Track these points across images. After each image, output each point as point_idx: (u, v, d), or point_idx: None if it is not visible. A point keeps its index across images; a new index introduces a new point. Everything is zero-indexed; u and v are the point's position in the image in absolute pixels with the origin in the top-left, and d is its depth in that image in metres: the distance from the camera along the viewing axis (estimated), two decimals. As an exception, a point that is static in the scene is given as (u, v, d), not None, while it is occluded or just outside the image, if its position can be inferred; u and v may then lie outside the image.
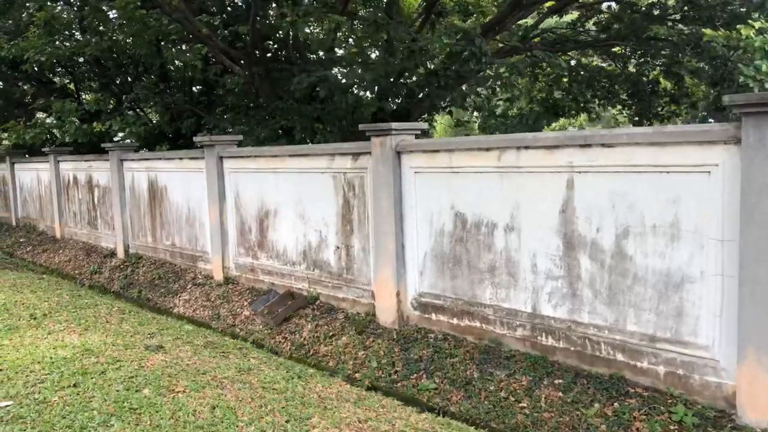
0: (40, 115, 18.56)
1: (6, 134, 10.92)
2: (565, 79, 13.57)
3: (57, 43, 11.36)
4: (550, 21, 14.20)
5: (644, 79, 13.32)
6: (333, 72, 8.36)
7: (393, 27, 8.61)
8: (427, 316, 5.83)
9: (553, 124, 17.12)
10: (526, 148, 4.87)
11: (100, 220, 11.50)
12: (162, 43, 9.99)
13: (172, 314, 7.83)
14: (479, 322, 5.38)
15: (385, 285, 6.06)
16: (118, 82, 16.57)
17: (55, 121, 10.63)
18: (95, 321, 5.31)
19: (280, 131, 9.98)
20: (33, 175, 14.11)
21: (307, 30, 10.12)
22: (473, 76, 9.74)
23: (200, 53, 8.83)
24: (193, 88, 13.86)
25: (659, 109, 13.48)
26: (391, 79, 9.49)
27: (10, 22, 13.20)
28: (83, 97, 19.35)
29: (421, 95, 10.71)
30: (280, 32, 10.07)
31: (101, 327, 5.08)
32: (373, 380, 5.34)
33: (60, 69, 17.10)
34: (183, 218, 9.16)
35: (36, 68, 12.79)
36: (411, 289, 5.95)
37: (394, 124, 5.83)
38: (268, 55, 10.74)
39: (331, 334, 6.25)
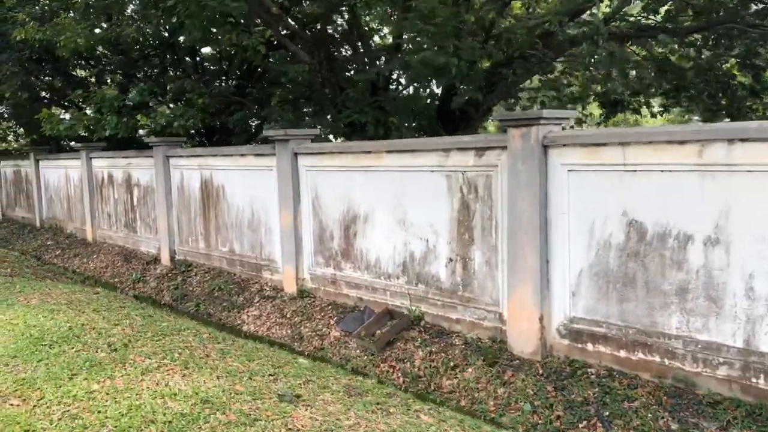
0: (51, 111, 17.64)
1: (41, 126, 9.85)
2: (631, 71, 12.49)
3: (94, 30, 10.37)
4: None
5: (719, 72, 12.25)
6: (417, 58, 7.30)
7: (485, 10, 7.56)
8: (580, 345, 4.80)
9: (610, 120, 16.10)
10: (743, 140, 3.84)
11: (139, 222, 10.49)
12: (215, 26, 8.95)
13: (241, 333, 6.82)
14: (660, 356, 4.35)
15: (523, 307, 5.03)
16: (146, 72, 15.64)
17: (92, 114, 9.60)
18: (190, 354, 4.30)
19: (343, 125, 8.95)
20: (60, 173, 13.11)
21: (374, 12, 9.07)
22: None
23: (263, 37, 7.81)
24: (231, 79, 12.92)
25: (739, 104, 12.41)
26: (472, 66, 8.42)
27: (37, 8, 12.22)
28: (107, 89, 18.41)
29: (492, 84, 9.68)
30: (344, 14, 9.05)
31: (204, 364, 4.07)
32: (529, 427, 4.33)
33: (81, 60, 16.17)
34: (244, 222, 8.14)
35: (66, 57, 11.79)
36: (557, 313, 4.93)
37: (545, 112, 4.80)
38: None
39: (451, 364, 5.23)
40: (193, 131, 11.03)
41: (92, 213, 11.78)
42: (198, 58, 14.37)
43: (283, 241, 7.44)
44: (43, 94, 15.20)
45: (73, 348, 4.27)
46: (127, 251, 10.71)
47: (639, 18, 12.12)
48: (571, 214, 4.77)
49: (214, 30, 8.19)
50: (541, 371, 4.83)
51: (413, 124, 8.72)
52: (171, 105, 10.70)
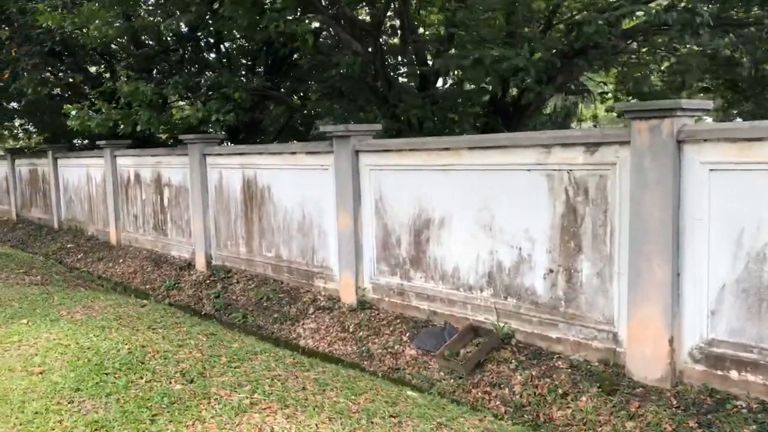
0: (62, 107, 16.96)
1: (69, 121, 9.19)
2: (665, 64, 11.76)
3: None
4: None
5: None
6: (490, 53, 6.64)
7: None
8: (720, 373, 4.14)
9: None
10: None
11: (170, 224, 9.85)
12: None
13: (298, 348, 6.17)
14: (832, 388, 3.70)
15: (647, 326, 4.38)
16: (164, 68, 15.04)
17: (121, 109, 8.94)
18: (283, 386, 3.65)
19: (397, 122, 8.29)
20: (81, 173, 12.47)
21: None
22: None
23: (312, 25, 7.17)
24: (257, 74, 12.26)
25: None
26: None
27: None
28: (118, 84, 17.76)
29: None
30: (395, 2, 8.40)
31: (304, 400, 3.42)
32: (678, 472, 3.67)
33: (96, 56, 15.54)
34: (293, 225, 7.49)
35: (94, 47, 11.19)
36: (691, 335, 4.27)
37: (683, 102, 4.14)
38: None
39: (560, 390, 4.57)
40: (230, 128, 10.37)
41: (116, 214, 11.14)
42: (221, 52, 13.76)
43: (341, 246, 6.79)
44: (57, 90, 14.54)
45: (141, 378, 3.63)
46: (156, 255, 10.06)
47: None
48: (711, 220, 4.11)
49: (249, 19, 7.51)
50: (674, 402, 4.17)
51: (472, 121, 8.06)
52: (190, 101, 9.99)
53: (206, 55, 14.59)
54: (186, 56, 15.52)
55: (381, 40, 8.87)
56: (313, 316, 6.74)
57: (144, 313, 5.50)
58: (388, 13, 9.22)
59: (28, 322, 4.83)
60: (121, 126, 9.41)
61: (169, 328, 4.94)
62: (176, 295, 8.50)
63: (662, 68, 8.92)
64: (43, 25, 11.41)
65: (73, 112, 9.00)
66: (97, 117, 8.77)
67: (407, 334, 5.84)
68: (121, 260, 10.46)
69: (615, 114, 11.09)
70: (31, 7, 11.92)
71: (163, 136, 14.93)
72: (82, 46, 13.50)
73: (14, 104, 15.96)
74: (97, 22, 8.39)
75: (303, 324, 6.66)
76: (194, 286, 8.54)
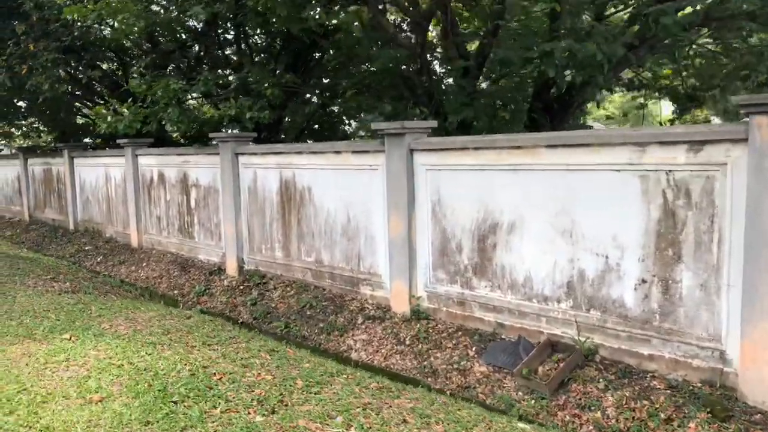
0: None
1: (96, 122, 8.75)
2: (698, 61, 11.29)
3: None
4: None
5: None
6: (559, 44, 6.17)
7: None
8: None
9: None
10: None
11: (197, 227, 9.40)
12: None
13: (350, 361, 5.73)
14: None
15: (766, 346, 3.92)
16: (180, 65, 14.64)
17: (147, 108, 8.48)
18: (380, 418, 3.19)
19: (445, 119, 7.83)
20: (99, 172, 12.02)
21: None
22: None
23: (358, 15, 6.72)
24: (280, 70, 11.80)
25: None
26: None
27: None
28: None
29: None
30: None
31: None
32: None
33: (109, 52, 15.10)
34: (337, 229, 7.05)
35: (119, 42, 10.76)
36: (819, 354, 3.82)
37: (819, 95, 3.69)
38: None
39: (661, 415, 4.12)
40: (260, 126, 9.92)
41: (138, 216, 10.69)
42: (242, 48, 13.32)
43: (391, 252, 6.34)
44: (68, 87, 14.10)
45: (214, 406, 3.18)
46: (182, 259, 9.61)
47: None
48: None
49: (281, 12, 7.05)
50: (803, 432, 3.72)
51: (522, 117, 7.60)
52: (211, 99, 9.56)
53: (223, 52, 14.18)
54: (203, 53, 15.11)
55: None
56: (363, 327, 6.29)
57: (193, 326, 5.06)
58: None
59: (71, 337, 4.39)
60: (149, 124, 8.95)
61: (225, 344, 4.50)
62: (208, 302, 8.05)
63: (726, 60, 8.45)
64: (62, 19, 11.05)
65: (97, 115, 8.54)
66: (124, 117, 8.31)
67: (473, 348, 5.39)
68: (144, 264, 10.01)
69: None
70: (48, 1, 11.50)
71: (175, 136, 14.48)
72: (96, 43, 13.10)
73: (23, 102, 15.52)
74: (124, 14, 7.93)
75: (353, 335, 6.21)
76: (227, 292, 8.09)
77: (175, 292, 8.64)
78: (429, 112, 7.68)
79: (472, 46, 8.93)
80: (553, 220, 5.08)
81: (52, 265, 7.80)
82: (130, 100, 8.78)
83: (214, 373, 3.69)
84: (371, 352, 5.85)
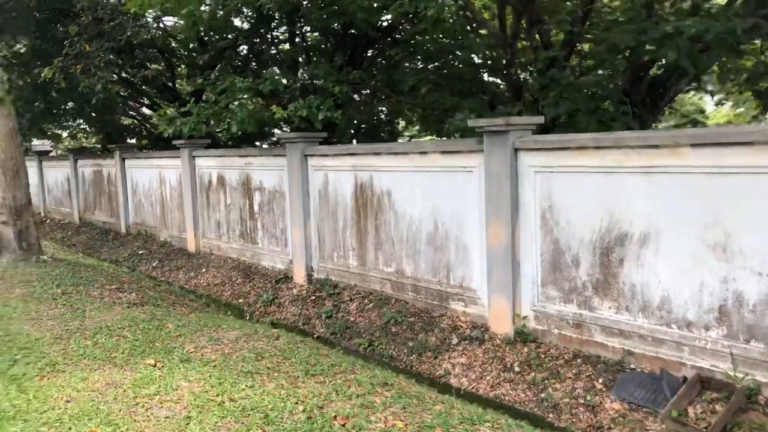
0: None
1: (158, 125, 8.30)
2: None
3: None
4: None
5: None
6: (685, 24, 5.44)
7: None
8: None
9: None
10: None
11: (260, 232, 8.88)
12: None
13: (450, 389, 5.09)
14: None
15: None
16: (230, 63, 14.26)
17: (208, 109, 7.99)
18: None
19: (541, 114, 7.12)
20: (153, 174, 11.63)
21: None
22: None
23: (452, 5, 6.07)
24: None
25: None
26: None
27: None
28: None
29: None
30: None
31: None
32: None
33: (156, 52, 14.79)
34: (421, 237, 6.42)
35: (186, 36, 10.37)
36: None
37: None
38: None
39: None
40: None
41: (195, 220, 10.24)
42: (297, 44, 12.85)
43: (490, 264, 5.68)
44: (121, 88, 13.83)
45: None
46: (244, 265, 9.11)
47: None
48: None
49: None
50: None
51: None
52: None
53: (276, 49, 13.74)
54: (250, 54, 14.70)
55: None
56: (460, 349, 5.64)
57: (286, 350, 4.48)
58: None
59: (155, 364, 3.85)
60: (209, 126, 8.47)
61: (329, 374, 3.91)
62: (276, 312, 7.51)
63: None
64: (116, 19, 10.71)
65: (161, 117, 8.10)
66: (188, 119, 7.83)
67: (599, 380, 4.70)
68: (203, 270, 9.55)
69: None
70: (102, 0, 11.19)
71: (220, 137, 14.12)
72: (145, 44, 12.77)
73: (71, 103, 15.29)
74: (189, 7, 7.44)
75: (449, 357, 5.57)
76: (296, 302, 7.53)
77: (240, 300, 8.14)
78: (520, 107, 6.98)
79: (558, 36, 8.21)
80: (699, 232, 4.36)
81: (113, 273, 7.36)
82: (176, 103, 8.32)
83: (334, 416, 3.09)
84: (474, 379, 5.21)
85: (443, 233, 6.22)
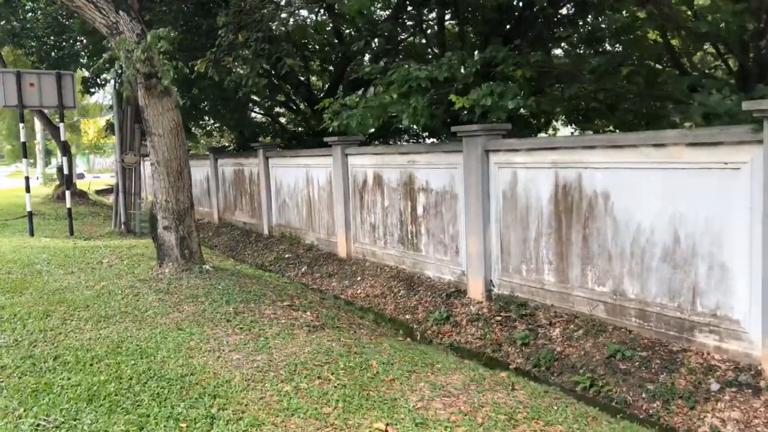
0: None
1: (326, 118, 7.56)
2: None
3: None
4: None
5: None
6: None
7: None
8: None
9: None
10: None
11: (424, 238, 7.93)
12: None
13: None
14: None
15: None
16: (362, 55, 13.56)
17: (385, 98, 7.12)
18: None
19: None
20: (299, 174, 11.08)
21: None
22: None
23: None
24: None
25: None
26: None
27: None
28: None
29: None
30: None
31: None
32: None
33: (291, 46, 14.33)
34: (653, 251, 5.14)
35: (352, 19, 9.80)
36: None
37: None
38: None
39: None
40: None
41: (347, 223, 9.51)
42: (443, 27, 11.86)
43: (766, 291, 4.32)
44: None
45: None
46: (404, 275, 8.22)
47: None
48: None
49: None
50: None
51: None
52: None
53: (424, 36, 12.86)
54: (387, 43, 13.95)
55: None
56: (726, 398, 4.33)
57: (538, 408, 3.45)
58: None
59: (386, 429, 2.94)
60: (369, 121, 7.61)
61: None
62: (453, 334, 6.53)
63: None
64: (265, 8, 10.23)
65: (326, 108, 7.36)
66: (354, 113, 7.02)
67: None
68: (358, 277, 8.77)
69: None
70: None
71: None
72: (281, 38, 12.30)
73: (206, 102, 15.21)
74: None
75: (713, 410, 4.28)
76: (477, 322, 6.50)
77: (408, 316, 7.24)
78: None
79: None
80: None
81: (277, 285, 6.71)
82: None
83: None
84: (761, 447, 3.89)
85: (687, 248, 4.91)
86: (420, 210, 7.97)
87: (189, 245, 6.42)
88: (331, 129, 7.45)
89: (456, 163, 7.18)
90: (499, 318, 6.40)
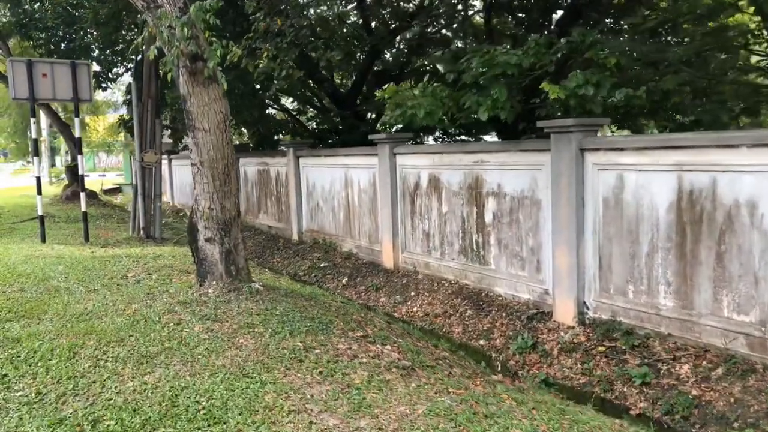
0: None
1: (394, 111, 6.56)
2: None
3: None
4: None
5: None
6: None
7: None
8: None
9: None
10: None
11: (494, 249, 6.94)
12: None
13: None
14: None
15: None
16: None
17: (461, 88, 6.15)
18: None
19: None
20: (335, 174, 10.08)
21: None
22: None
23: None
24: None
25: None
26: None
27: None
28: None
29: None
30: None
31: None
32: None
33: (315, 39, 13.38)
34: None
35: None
36: None
37: None
38: None
39: None
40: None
41: (394, 229, 8.51)
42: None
43: None
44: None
45: None
46: (468, 291, 7.24)
47: None
48: None
49: None
50: None
51: None
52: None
53: (466, 23, 11.93)
54: (418, 35, 13.08)
55: None
56: None
57: None
58: None
59: None
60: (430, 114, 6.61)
61: None
62: (543, 365, 5.54)
63: None
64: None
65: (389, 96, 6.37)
66: (421, 103, 6.04)
67: None
68: (411, 292, 7.79)
69: None
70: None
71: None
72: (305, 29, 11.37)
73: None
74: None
75: None
76: (573, 352, 5.51)
77: (482, 342, 6.25)
78: None
79: None
80: None
81: (339, 306, 5.71)
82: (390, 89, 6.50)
83: None
84: None
85: None
86: (489, 217, 6.98)
87: (235, 260, 5.44)
88: (384, 124, 6.48)
89: (539, 163, 6.18)
90: (602, 348, 5.40)
